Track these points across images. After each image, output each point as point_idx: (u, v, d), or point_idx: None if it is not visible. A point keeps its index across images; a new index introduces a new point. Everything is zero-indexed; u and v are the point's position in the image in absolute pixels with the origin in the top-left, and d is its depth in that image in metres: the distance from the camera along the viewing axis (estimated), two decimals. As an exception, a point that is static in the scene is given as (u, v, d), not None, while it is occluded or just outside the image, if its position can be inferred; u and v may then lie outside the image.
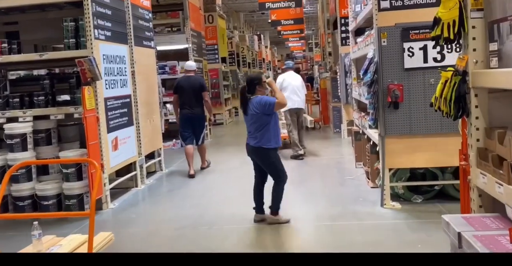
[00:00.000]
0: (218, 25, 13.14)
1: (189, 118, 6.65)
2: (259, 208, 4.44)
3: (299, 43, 27.69)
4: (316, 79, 15.74)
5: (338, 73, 9.57)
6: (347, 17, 8.97)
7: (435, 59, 4.41)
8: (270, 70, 30.24)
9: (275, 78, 8.69)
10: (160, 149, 7.08)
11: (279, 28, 21.21)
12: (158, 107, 7.08)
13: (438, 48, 4.38)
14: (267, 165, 4.33)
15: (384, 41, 4.45)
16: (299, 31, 21.49)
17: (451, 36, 2.50)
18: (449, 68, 2.58)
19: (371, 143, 5.30)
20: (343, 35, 9.25)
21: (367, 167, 5.65)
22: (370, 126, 5.46)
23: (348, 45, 8.89)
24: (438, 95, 2.60)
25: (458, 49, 4.37)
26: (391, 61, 4.46)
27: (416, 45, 4.42)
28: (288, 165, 7.51)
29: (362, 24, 6.22)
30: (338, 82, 9.54)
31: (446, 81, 2.56)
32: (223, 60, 13.82)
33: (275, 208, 4.36)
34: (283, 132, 7.43)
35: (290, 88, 7.39)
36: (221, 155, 8.44)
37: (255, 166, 4.46)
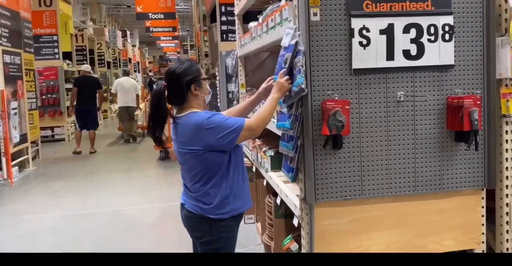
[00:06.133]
0: (59, 10, 9.91)
1: (82, 110, 8.23)
2: None
3: (172, 44, 24.95)
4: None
5: (218, 78, 7.28)
6: (229, 4, 6.83)
7: (406, 54, 2.28)
8: (139, 72, 26.83)
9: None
10: None
11: (147, 23, 18.31)
12: None
13: (413, 32, 2.27)
14: (205, 249, 2.21)
15: (315, 13, 2.19)
16: (171, 29, 18.81)
17: None
18: None
19: (278, 200, 3.02)
20: (224, 27, 7.01)
21: (268, 236, 3.36)
22: (272, 168, 3.20)
23: (231, 40, 6.75)
24: None
25: (447, 37, 2.31)
26: (328, 55, 2.23)
27: (375, 25, 2.24)
28: (139, 219, 4.19)
29: (255, 3, 4.00)
30: (218, 89, 7.24)
31: None
32: (67, 56, 10.57)
33: None
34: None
35: (123, 90, 9.44)
36: (39, 197, 5.47)
37: (194, 248, 2.37)
